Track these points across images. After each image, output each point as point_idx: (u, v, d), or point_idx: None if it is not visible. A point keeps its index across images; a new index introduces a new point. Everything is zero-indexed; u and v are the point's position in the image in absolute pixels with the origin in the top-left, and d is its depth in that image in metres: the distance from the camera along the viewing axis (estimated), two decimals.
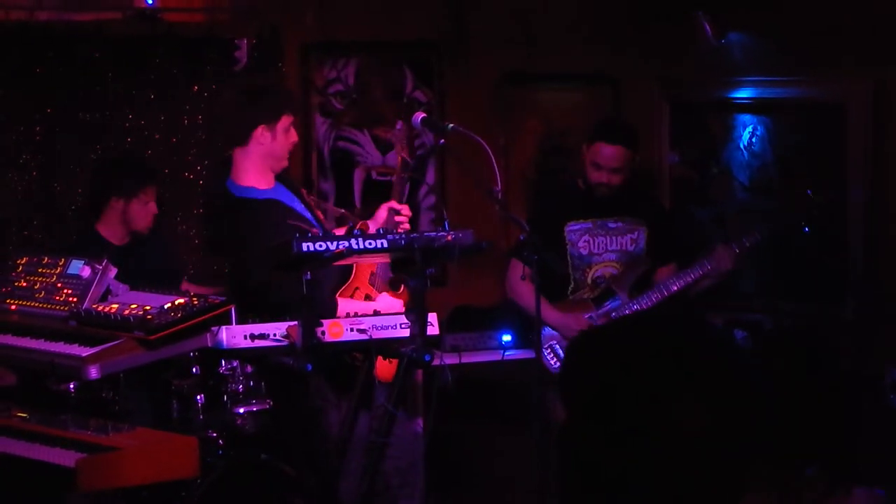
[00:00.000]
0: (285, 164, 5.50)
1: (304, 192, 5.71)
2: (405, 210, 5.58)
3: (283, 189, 5.51)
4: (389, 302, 5.45)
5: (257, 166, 5.40)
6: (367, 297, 5.54)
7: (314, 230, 5.41)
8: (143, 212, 6.28)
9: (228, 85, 6.65)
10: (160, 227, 6.51)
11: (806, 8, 6.88)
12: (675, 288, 6.25)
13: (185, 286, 6.35)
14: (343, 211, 6.14)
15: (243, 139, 5.38)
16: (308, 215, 5.52)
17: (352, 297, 5.49)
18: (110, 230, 6.26)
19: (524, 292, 6.05)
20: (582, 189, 6.34)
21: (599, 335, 2.08)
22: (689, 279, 6.26)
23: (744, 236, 6.27)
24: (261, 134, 5.34)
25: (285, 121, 5.40)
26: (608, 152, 6.20)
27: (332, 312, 5.20)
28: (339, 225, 5.91)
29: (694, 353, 1.96)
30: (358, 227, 5.56)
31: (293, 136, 5.46)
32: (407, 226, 5.57)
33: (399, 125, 5.66)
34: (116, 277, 5.30)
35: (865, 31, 6.71)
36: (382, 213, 5.59)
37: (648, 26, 7.37)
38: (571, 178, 6.55)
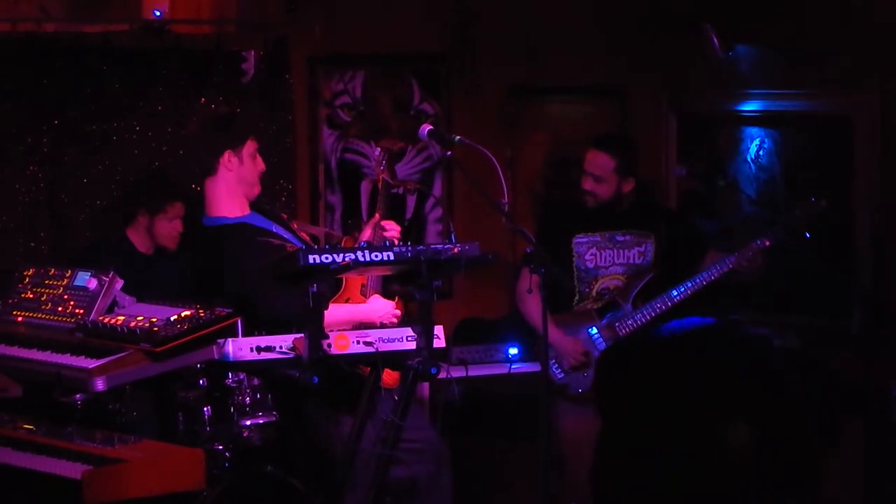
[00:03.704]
0: (257, 190, 5.47)
1: (284, 217, 5.72)
2: (391, 225, 5.58)
3: (257, 216, 5.49)
4: (381, 303, 5.46)
5: (228, 194, 5.38)
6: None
7: (289, 246, 5.41)
8: (168, 228, 6.40)
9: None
10: (186, 245, 6.58)
11: (813, 21, 6.87)
12: (678, 298, 6.24)
13: None
14: (326, 230, 6.14)
15: (211, 168, 5.37)
16: (289, 236, 5.50)
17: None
18: (139, 238, 6.42)
19: (530, 304, 6.07)
20: (591, 203, 6.39)
21: (638, 348, 2.04)
22: (691, 289, 6.25)
23: (765, 235, 6.25)
24: (228, 160, 5.34)
25: (251, 146, 5.40)
26: (590, 157, 6.34)
27: None
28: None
29: (739, 370, 1.92)
30: (342, 245, 5.58)
31: (260, 163, 5.45)
32: (395, 242, 5.57)
33: (377, 151, 5.71)
34: (137, 286, 5.32)
35: (872, 43, 6.70)
36: (367, 231, 5.61)
37: (656, 39, 7.37)
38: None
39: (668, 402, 1.92)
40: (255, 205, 5.50)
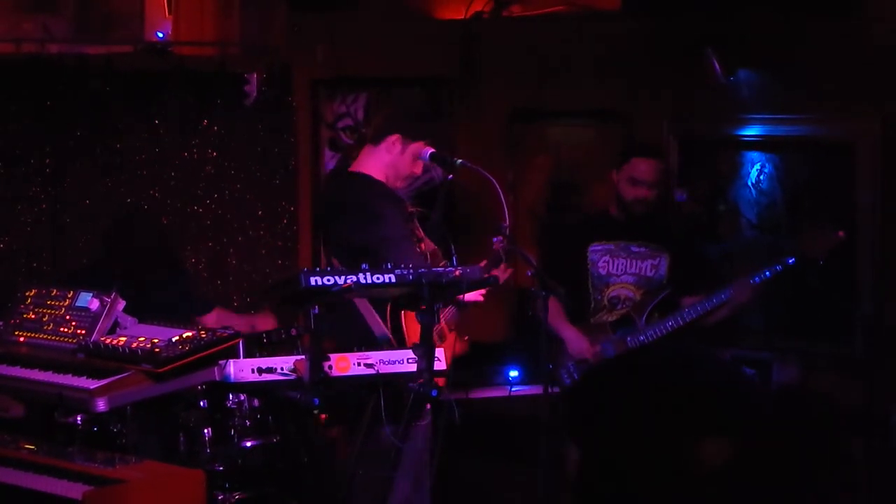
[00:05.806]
0: (400, 185, 5.56)
1: (415, 218, 5.77)
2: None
3: None
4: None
5: (377, 168, 5.47)
6: (440, 334, 5.59)
7: (421, 242, 5.47)
8: None
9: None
10: (175, 258, 6.59)
11: (815, 46, 6.89)
12: (691, 316, 6.26)
13: (217, 313, 6.36)
14: (435, 248, 6.15)
15: (377, 138, 5.47)
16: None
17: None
18: None
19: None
20: (611, 214, 6.43)
21: (611, 372, 2.06)
22: (707, 307, 6.27)
23: (762, 269, 6.27)
24: (392, 142, 5.43)
25: (419, 146, 5.46)
26: (645, 166, 6.39)
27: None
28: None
29: (712, 388, 1.95)
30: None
31: (419, 167, 5.53)
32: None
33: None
34: (132, 308, 5.32)
35: (874, 68, 6.72)
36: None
37: (657, 64, 7.38)
38: (599, 205, 6.63)
39: (643, 425, 1.94)
40: None
